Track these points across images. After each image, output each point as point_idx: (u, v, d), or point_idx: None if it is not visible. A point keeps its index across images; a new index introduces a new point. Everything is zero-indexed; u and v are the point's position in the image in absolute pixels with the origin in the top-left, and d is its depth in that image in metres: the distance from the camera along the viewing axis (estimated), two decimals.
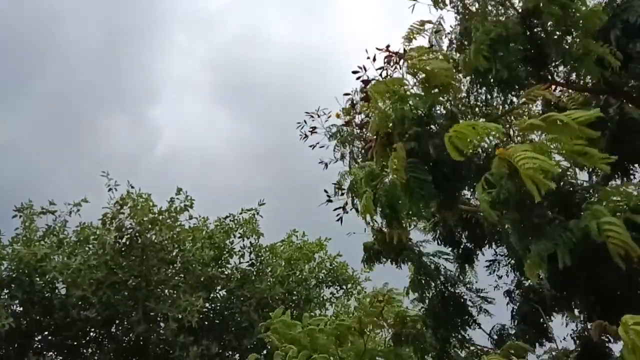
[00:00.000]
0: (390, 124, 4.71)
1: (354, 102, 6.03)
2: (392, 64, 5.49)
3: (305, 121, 7.30)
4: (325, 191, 6.24)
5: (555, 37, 5.41)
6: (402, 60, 5.31)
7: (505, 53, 5.14)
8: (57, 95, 31.73)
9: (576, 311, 8.37)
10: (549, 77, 6.12)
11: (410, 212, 5.02)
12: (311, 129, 7.29)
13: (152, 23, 36.87)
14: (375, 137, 5.13)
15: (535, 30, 5.36)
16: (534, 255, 4.12)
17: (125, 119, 35.48)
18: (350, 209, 6.58)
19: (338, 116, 7.08)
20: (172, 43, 36.42)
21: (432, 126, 4.73)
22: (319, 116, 7.48)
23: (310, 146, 7.23)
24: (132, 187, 16.66)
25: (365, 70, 5.69)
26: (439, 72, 4.86)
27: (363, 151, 7.16)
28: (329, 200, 6.24)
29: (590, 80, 6.67)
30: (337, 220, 6.50)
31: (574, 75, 6.55)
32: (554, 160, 4.03)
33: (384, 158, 5.08)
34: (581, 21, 5.06)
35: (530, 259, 4.16)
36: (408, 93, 4.78)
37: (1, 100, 29.38)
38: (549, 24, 5.33)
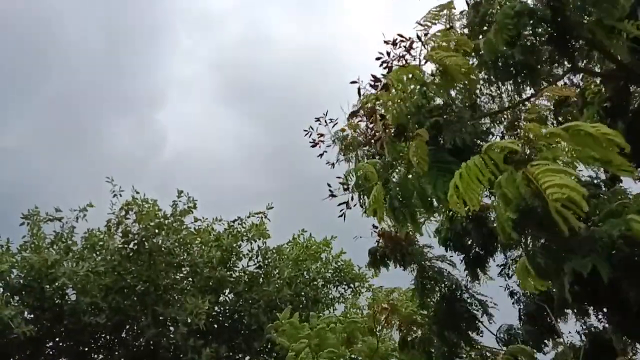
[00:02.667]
0: (406, 114, 4.21)
1: (360, 91, 5.52)
2: (404, 52, 4.97)
3: (311, 127, 6.79)
4: (329, 185, 5.72)
5: (581, 16, 4.88)
6: (414, 47, 4.81)
7: (530, 30, 4.63)
8: (62, 99, 31.37)
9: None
10: (570, 62, 5.58)
11: (425, 206, 4.50)
12: (319, 135, 6.77)
13: (155, 25, 36.38)
14: (384, 129, 4.63)
15: (560, 10, 4.84)
16: (568, 272, 3.61)
17: (131, 122, 35.08)
18: (355, 205, 6.06)
19: (344, 131, 6.62)
20: (176, 45, 36.00)
21: (451, 115, 4.23)
22: (326, 123, 6.98)
23: (319, 155, 6.73)
24: (137, 193, 16.20)
25: (389, 55, 5.16)
26: (456, 68, 4.38)
27: (370, 155, 6.66)
28: (332, 195, 5.72)
29: (608, 66, 6.17)
30: (340, 216, 5.97)
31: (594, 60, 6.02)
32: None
33: (395, 150, 4.59)
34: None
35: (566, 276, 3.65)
36: (428, 80, 4.29)
37: (6, 105, 29.04)
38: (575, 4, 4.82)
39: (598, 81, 6.78)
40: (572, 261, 3.62)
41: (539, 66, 5.25)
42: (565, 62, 5.72)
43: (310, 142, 7.04)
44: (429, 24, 4.62)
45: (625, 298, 3.95)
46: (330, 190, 5.66)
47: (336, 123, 6.37)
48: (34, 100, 31.47)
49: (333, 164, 7.53)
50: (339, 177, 5.48)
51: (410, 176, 4.37)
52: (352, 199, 5.38)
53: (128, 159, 31.22)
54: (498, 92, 5.99)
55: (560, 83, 7.62)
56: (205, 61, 37.04)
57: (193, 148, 34.49)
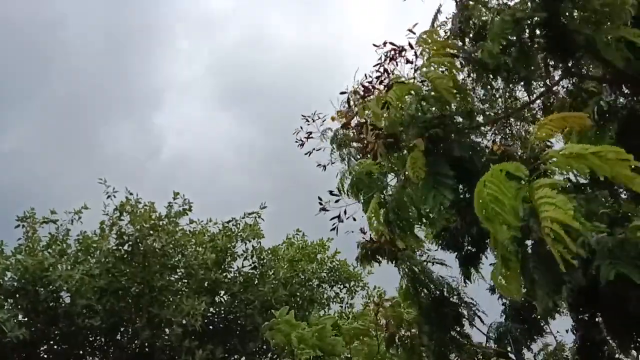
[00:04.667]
0: (399, 124, 4.08)
1: (350, 101, 5.37)
2: (394, 58, 4.84)
3: (301, 127, 6.65)
4: (319, 198, 5.60)
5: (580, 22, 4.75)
6: (404, 55, 4.67)
7: (527, 35, 4.49)
8: (62, 101, 31.05)
9: None
10: (565, 66, 5.46)
11: (422, 219, 4.37)
12: (307, 134, 6.64)
13: (156, 28, 36.06)
14: (376, 137, 4.49)
15: (559, 16, 4.70)
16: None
17: (130, 125, 34.73)
18: (347, 217, 5.94)
19: (333, 119, 6.43)
20: (176, 48, 35.66)
21: (448, 126, 4.11)
22: (313, 120, 6.80)
23: (307, 153, 6.59)
24: (131, 194, 16.00)
25: (388, 74, 5.03)
26: (446, 89, 4.25)
27: (360, 155, 6.49)
28: (323, 209, 5.60)
29: (603, 70, 6.05)
30: (332, 229, 5.85)
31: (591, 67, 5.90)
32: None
33: (388, 159, 4.46)
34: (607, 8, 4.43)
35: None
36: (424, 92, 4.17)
37: (7, 108, 28.71)
38: (574, 11, 4.69)
39: (592, 84, 6.68)
40: (577, 272, 3.50)
41: (533, 71, 5.13)
42: (560, 67, 5.61)
43: (297, 141, 6.88)
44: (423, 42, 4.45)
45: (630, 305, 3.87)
46: (320, 203, 5.53)
47: (324, 119, 6.24)
48: (33, 103, 31.21)
49: (324, 167, 7.38)
50: (331, 191, 5.35)
51: (407, 189, 4.25)
52: (345, 212, 5.27)
53: (128, 161, 30.99)
54: (493, 97, 5.87)
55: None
56: (204, 63, 36.72)
57: (192, 150, 34.22)
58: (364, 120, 4.71)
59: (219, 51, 35.85)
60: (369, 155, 4.70)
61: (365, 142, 4.76)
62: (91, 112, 31.30)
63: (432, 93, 4.14)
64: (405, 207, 4.30)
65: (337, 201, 5.24)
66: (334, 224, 5.53)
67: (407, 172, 3.92)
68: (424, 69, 4.18)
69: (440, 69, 4.13)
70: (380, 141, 4.23)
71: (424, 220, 4.46)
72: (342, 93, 5.39)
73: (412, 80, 4.26)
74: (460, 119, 4.32)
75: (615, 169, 2.98)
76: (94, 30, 32.26)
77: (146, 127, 34.52)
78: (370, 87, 4.79)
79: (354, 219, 5.42)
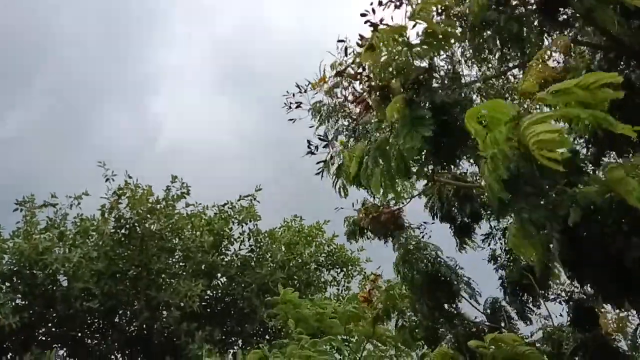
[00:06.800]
0: (391, 75, 4.02)
1: (347, 50, 5.25)
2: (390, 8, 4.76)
3: (293, 94, 6.51)
4: (308, 141, 5.51)
5: None
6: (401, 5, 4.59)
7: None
8: (59, 89, 30.86)
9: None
10: (560, 32, 5.36)
11: (401, 170, 4.30)
12: (296, 104, 6.49)
13: (152, 14, 35.71)
14: (369, 90, 4.41)
15: None
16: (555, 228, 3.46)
17: (127, 112, 34.48)
18: (337, 191, 5.81)
19: (314, 87, 6.26)
20: (172, 34, 35.35)
21: (434, 77, 4.05)
22: (305, 91, 6.67)
23: (290, 120, 6.42)
24: (130, 177, 15.96)
25: (374, 13, 4.92)
26: (439, 26, 4.17)
27: (350, 127, 6.38)
28: (311, 152, 5.50)
29: (598, 38, 5.94)
30: (317, 173, 5.74)
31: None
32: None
33: (381, 113, 4.39)
34: None
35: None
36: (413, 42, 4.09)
37: (3, 95, 28.55)
38: None
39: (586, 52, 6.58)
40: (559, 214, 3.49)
41: (526, 35, 5.06)
42: (555, 33, 5.52)
43: (285, 104, 6.74)
44: None
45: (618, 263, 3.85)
46: (309, 147, 5.42)
47: (317, 92, 6.12)
48: (31, 92, 31.01)
49: (317, 147, 7.30)
50: (319, 136, 5.26)
51: (391, 139, 4.19)
52: (332, 157, 5.17)
53: (126, 149, 30.80)
54: (484, 61, 5.77)
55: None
56: (202, 50, 36.36)
57: (190, 137, 33.91)
58: (357, 70, 4.62)
59: (217, 37, 35.54)
60: (359, 108, 4.64)
61: (357, 95, 4.68)
62: (90, 100, 31.15)
63: (422, 37, 4.06)
64: (387, 155, 4.24)
65: (325, 146, 5.16)
66: (319, 169, 5.43)
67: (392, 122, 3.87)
68: (417, 9, 4.09)
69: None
70: (373, 92, 4.16)
71: (404, 170, 4.38)
72: (339, 41, 5.28)
73: (401, 30, 4.17)
74: (448, 68, 4.25)
75: (598, 95, 2.95)
76: (91, 17, 32.01)
77: (144, 114, 34.37)
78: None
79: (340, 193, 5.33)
